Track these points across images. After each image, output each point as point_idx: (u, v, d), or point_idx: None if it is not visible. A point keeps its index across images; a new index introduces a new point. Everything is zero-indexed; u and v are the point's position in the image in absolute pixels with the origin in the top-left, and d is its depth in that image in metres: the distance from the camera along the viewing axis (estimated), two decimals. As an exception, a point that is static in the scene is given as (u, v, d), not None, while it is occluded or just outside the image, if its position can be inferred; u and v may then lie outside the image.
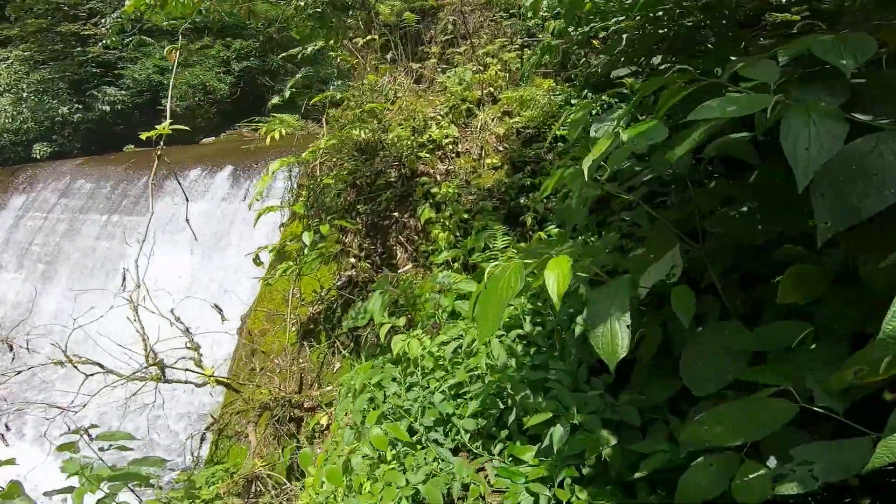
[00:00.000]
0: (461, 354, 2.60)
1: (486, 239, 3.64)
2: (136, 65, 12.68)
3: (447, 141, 4.70)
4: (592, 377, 2.23)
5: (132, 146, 12.50)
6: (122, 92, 12.59)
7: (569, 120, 4.74)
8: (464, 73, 5.09)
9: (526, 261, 1.67)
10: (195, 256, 7.00)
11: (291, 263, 4.43)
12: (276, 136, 3.98)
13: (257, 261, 3.77)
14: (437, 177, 4.61)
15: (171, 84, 3.50)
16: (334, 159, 5.33)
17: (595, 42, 5.17)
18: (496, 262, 3.21)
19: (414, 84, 5.69)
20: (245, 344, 5.36)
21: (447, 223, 3.90)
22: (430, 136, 4.69)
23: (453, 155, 4.77)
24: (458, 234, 3.97)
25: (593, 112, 2.06)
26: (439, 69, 5.61)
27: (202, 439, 5.28)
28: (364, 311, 3.20)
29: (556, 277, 1.52)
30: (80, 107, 12.62)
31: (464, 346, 2.55)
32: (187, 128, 3.08)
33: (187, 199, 3.69)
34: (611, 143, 1.57)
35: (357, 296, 4.77)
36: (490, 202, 4.15)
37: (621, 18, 2.47)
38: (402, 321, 3.02)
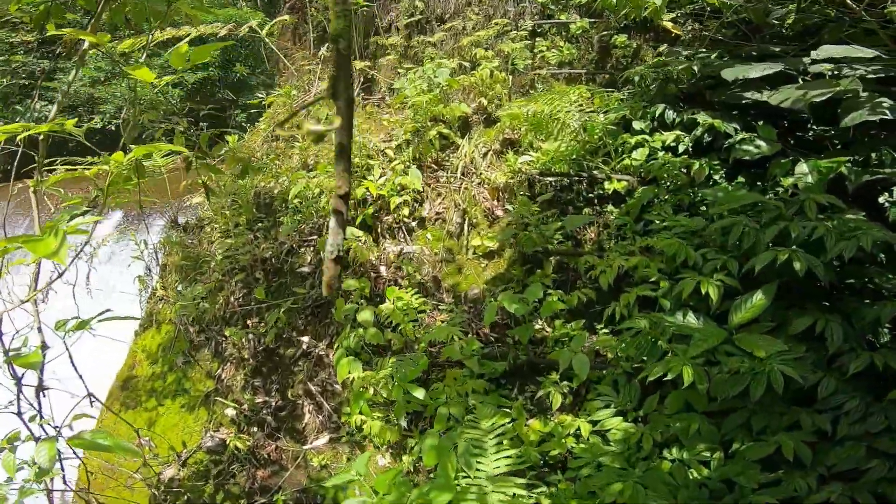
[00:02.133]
0: None
1: (464, 449, 1.50)
2: (67, 75, 10.75)
3: (400, 199, 2.55)
4: None
5: (63, 169, 10.47)
6: (51, 106, 10.60)
7: (630, 160, 2.57)
8: (436, 74, 2.95)
9: None
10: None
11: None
12: None
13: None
14: (381, 270, 2.45)
15: None
16: (221, 223, 3.21)
17: (667, 24, 3.01)
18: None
19: (361, 94, 3.57)
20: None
21: (383, 393, 1.75)
22: (369, 188, 2.53)
23: (412, 223, 2.61)
24: (403, 420, 1.81)
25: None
26: (401, 70, 3.48)
27: None
28: None
29: None
30: (2, 123, 10.70)
31: None
32: None
33: None
34: None
35: (238, 472, 2.63)
36: (475, 338, 1.99)
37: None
38: None
